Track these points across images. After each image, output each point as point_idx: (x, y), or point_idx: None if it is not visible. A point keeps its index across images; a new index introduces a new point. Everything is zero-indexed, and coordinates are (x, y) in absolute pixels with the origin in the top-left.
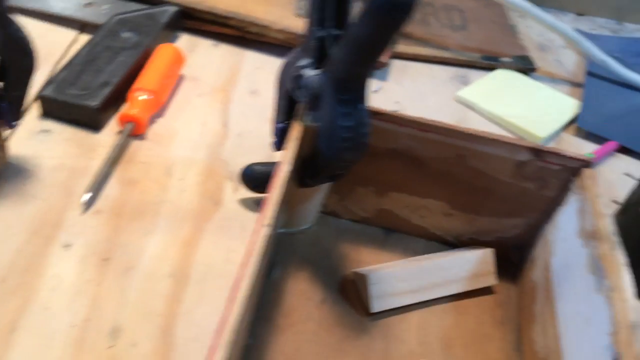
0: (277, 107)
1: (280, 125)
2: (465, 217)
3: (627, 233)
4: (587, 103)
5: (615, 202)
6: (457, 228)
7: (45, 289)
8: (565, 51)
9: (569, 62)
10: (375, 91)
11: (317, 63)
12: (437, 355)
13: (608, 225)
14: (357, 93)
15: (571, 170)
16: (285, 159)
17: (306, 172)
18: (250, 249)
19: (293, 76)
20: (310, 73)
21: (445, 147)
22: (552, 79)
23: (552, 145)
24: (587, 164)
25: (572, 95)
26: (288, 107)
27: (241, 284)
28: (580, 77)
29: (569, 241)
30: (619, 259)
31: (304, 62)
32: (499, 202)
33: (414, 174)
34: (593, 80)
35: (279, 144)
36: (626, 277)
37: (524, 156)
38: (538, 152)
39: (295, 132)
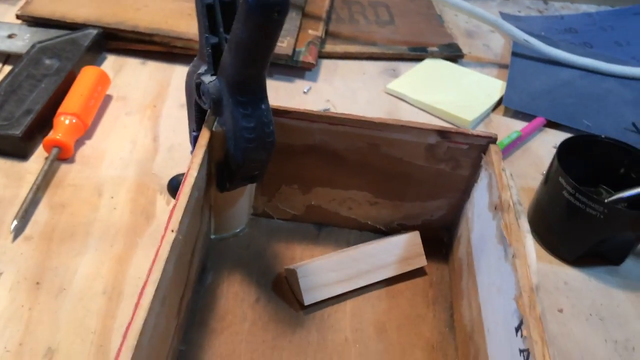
0: (189, 116)
1: (195, 133)
2: (390, 204)
3: (551, 202)
4: (511, 82)
5: (543, 174)
6: (385, 216)
7: None
8: (493, 36)
9: (497, 46)
10: (305, 92)
11: (214, 69)
12: (371, 340)
13: (512, 196)
14: (254, 94)
15: (480, 148)
16: (192, 166)
17: (223, 176)
18: (157, 255)
19: (195, 84)
20: (208, 79)
21: (357, 138)
22: (481, 64)
23: (481, 127)
24: (493, 140)
25: (500, 77)
26: (199, 116)
27: (145, 290)
28: (508, 59)
29: (483, 215)
30: (523, 227)
31: (202, 69)
32: (418, 186)
33: (334, 168)
34: (518, 60)
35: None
36: (529, 243)
37: (433, 139)
38: (445, 134)
39: (203, 139)
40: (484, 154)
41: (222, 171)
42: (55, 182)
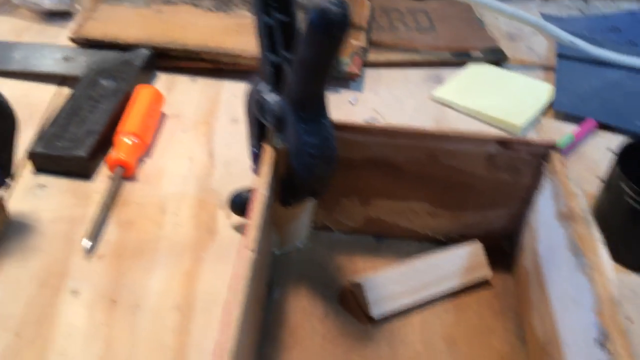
0: (249, 133)
1: (255, 150)
2: (450, 214)
3: (612, 208)
4: (560, 85)
5: (600, 179)
6: (445, 226)
7: (60, 337)
8: (536, 37)
9: (540, 48)
10: (352, 103)
11: (275, 87)
12: (443, 354)
13: (580, 205)
14: (316, 110)
15: (541, 156)
16: (260, 184)
17: (287, 192)
18: (237, 273)
19: (256, 102)
20: (271, 97)
21: (416, 150)
22: (525, 67)
23: (532, 132)
24: (554, 147)
25: (546, 80)
26: (259, 132)
27: (232, 308)
28: (553, 61)
29: (549, 225)
30: (595, 236)
31: (263, 87)
32: (478, 195)
33: (393, 180)
34: (564, 62)
35: (257, 168)
36: (603, 253)
37: (493, 149)
38: (505, 143)
39: (267, 156)
40: (546, 161)
41: (285, 187)
42: (121, 200)
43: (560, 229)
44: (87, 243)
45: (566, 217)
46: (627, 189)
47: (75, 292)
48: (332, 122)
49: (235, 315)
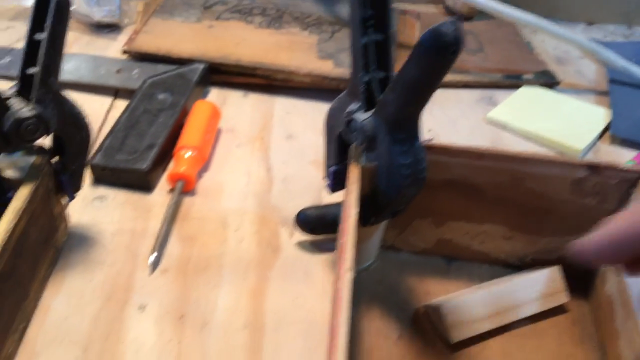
0: (328, 151)
1: (333, 168)
2: (526, 238)
3: None
4: (616, 110)
5: None
6: (519, 250)
7: (129, 353)
8: (583, 61)
9: (589, 72)
10: None
11: (367, 106)
12: None
13: None
14: (411, 131)
15: (630, 182)
16: (350, 202)
17: (368, 211)
18: (338, 296)
19: (345, 121)
20: (362, 117)
21: (500, 173)
22: (576, 91)
23: (590, 156)
24: None
25: (598, 104)
26: (339, 150)
27: (339, 333)
28: (603, 85)
29: None
30: None
31: (354, 106)
32: (559, 220)
33: (471, 202)
34: (617, 87)
35: (333, 186)
36: None
37: (581, 173)
38: (595, 168)
39: (354, 174)
40: (632, 187)
41: (366, 206)
42: (181, 215)
43: None
44: (152, 257)
45: None
46: None
47: (142, 307)
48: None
49: (342, 340)
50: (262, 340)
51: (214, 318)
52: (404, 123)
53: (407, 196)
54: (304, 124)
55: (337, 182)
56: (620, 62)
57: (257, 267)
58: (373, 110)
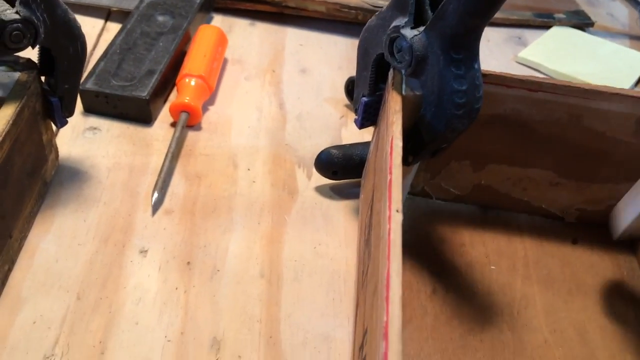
0: (360, 79)
1: (366, 99)
2: (575, 185)
3: None
4: None
5: None
6: (564, 199)
7: (130, 302)
8: (615, 4)
9: (621, 16)
10: None
11: (416, 21)
12: (575, 343)
13: None
14: (471, 51)
15: None
16: (395, 134)
17: (407, 149)
18: (386, 240)
19: (389, 38)
20: (411, 33)
21: (558, 108)
22: (610, 34)
23: None
24: None
25: (633, 48)
26: (375, 78)
27: (393, 282)
28: (637, 30)
29: None
30: None
31: (400, 21)
32: (615, 165)
33: (517, 142)
34: None
35: (362, 121)
36: None
37: None
38: None
39: (397, 104)
40: None
41: (405, 143)
42: (186, 151)
43: None
44: (154, 196)
45: None
46: None
47: (143, 252)
48: None
49: (396, 290)
50: (280, 292)
51: (225, 266)
52: (464, 40)
53: (457, 130)
54: (319, 57)
55: (367, 116)
56: None
57: (272, 211)
58: (425, 26)
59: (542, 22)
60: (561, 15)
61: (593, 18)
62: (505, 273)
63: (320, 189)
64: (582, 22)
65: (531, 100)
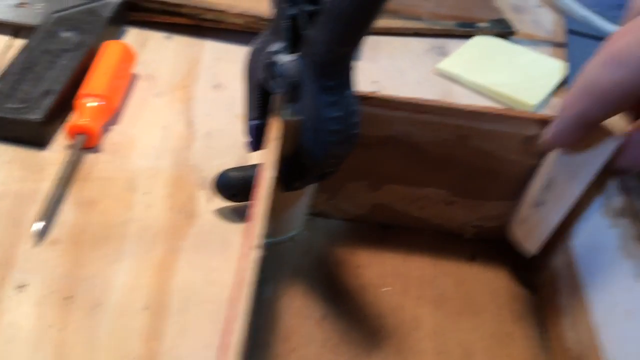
0: (249, 102)
1: (254, 122)
2: (470, 203)
3: None
4: (574, 63)
5: None
6: (461, 216)
7: (1, 342)
8: (541, 10)
9: (547, 22)
10: None
11: (292, 46)
12: None
13: (636, 202)
14: (342, 78)
15: None
16: (266, 163)
17: (292, 174)
18: (240, 279)
19: (265, 64)
20: (285, 59)
21: (444, 129)
22: (533, 41)
23: (544, 112)
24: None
25: (555, 56)
26: (261, 101)
27: (234, 326)
28: (561, 37)
29: (592, 220)
30: None
31: (276, 46)
32: (506, 183)
33: (411, 162)
34: (576, 39)
35: (255, 144)
36: None
37: (532, 130)
38: (547, 124)
39: (275, 130)
40: None
41: (290, 168)
42: (81, 175)
43: (609, 228)
44: (38, 225)
45: (620, 214)
46: None
47: (21, 287)
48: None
49: (237, 338)
50: (163, 323)
51: (108, 298)
52: (334, 67)
53: (336, 156)
54: (235, 71)
55: (259, 139)
56: (581, 12)
57: (167, 237)
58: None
59: (465, 31)
60: (484, 24)
61: (518, 25)
62: (398, 294)
63: (221, 212)
64: (504, 31)
65: (419, 122)
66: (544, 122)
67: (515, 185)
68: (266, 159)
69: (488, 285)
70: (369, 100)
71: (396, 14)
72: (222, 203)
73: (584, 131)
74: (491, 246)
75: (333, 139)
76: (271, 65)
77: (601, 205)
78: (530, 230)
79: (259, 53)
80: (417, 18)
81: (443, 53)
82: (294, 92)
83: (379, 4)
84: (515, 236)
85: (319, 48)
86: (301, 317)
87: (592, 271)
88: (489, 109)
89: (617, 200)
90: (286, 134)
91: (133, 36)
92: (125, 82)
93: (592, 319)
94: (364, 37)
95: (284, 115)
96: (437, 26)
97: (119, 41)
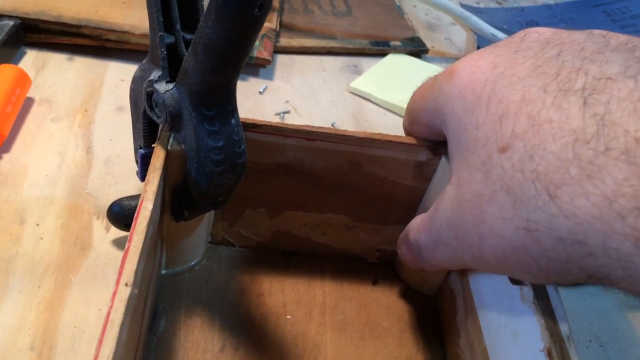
0: (135, 130)
1: (142, 151)
2: (371, 227)
3: None
4: None
5: None
6: (364, 241)
7: None
8: (454, 28)
9: (459, 40)
10: (261, 92)
11: (171, 75)
12: None
13: None
14: (223, 107)
15: None
16: (147, 196)
17: (181, 204)
18: (107, 319)
19: (145, 93)
20: (164, 88)
21: (337, 155)
22: (445, 59)
23: None
24: None
25: None
26: (148, 130)
27: None
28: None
29: None
30: None
31: (155, 74)
32: (404, 207)
33: (308, 189)
34: None
35: (143, 173)
36: None
37: (424, 156)
38: (437, 150)
39: (157, 160)
40: None
41: (179, 198)
42: None
43: None
44: None
45: None
46: None
47: None
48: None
49: None
50: None
51: None
52: (212, 97)
53: (222, 186)
54: None
55: (147, 168)
56: (489, 30)
57: (58, 271)
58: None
59: (379, 50)
60: (397, 43)
61: (431, 43)
62: (300, 322)
63: (117, 242)
64: (417, 49)
65: (310, 149)
66: (435, 148)
67: (414, 209)
68: (146, 191)
69: (389, 309)
70: (258, 127)
71: (310, 33)
72: (120, 233)
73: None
74: (394, 269)
75: (217, 168)
76: (151, 94)
77: None
78: (425, 278)
79: (140, 81)
80: (331, 37)
81: (357, 72)
82: (175, 122)
83: (250, 39)
84: (410, 282)
85: (194, 78)
86: (198, 350)
87: (482, 292)
88: (378, 135)
89: None
90: (172, 163)
91: (31, 58)
92: (16, 108)
93: (484, 339)
94: (238, 68)
95: (169, 144)
96: (351, 45)
97: (12, 65)
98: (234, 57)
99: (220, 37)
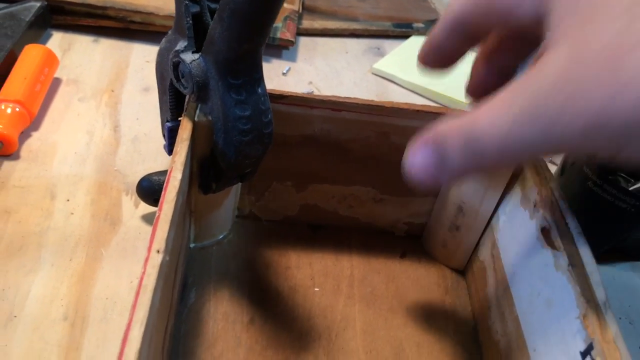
0: (162, 104)
1: (170, 124)
2: (398, 201)
3: (571, 191)
4: None
5: (552, 162)
6: (390, 214)
7: None
8: None
9: None
10: (284, 74)
11: (197, 44)
12: None
13: (554, 192)
14: (250, 75)
15: None
16: (175, 166)
17: (209, 176)
18: (140, 285)
19: (172, 64)
20: (190, 58)
21: (364, 126)
22: None
23: None
24: None
25: None
26: (175, 102)
27: (129, 334)
28: None
29: (512, 213)
30: (573, 228)
31: (181, 45)
32: None
33: (334, 161)
34: None
35: (171, 147)
36: (585, 249)
37: None
38: None
39: (185, 131)
40: None
41: (206, 170)
42: None
43: (529, 220)
44: None
45: (536, 205)
46: (590, 174)
47: None
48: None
49: (133, 346)
50: (83, 334)
51: (24, 310)
52: (239, 65)
53: (250, 156)
54: None
55: (174, 141)
56: None
57: (89, 245)
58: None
59: (401, 32)
60: (420, 25)
61: None
62: (328, 294)
63: (146, 218)
64: None
65: (337, 120)
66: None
67: None
68: (174, 162)
69: (418, 282)
70: (285, 98)
71: (333, 15)
72: (149, 208)
73: (457, 36)
74: (422, 243)
75: (244, 138)
76: (177, 65)
77: (519, 198)
78: (452, 252)
79: (166, 52)
80: (353, 19)
81: (380, 54)
82: (202, 92)
83: (277, 3)
84: (438, 257)
85: (220, 46)
86: (228, 322)
87: (514, 262)
88: (406, 104)
89: (532, 193)
90: (199, 135)
91: (58, 40)
92: (45, 87)
93: (515, 309)
94: (265, 35)
95: (196, 116)
96: (374, 27)
97: (40, 45)
98: (260, 22)
99: (246, 1)
